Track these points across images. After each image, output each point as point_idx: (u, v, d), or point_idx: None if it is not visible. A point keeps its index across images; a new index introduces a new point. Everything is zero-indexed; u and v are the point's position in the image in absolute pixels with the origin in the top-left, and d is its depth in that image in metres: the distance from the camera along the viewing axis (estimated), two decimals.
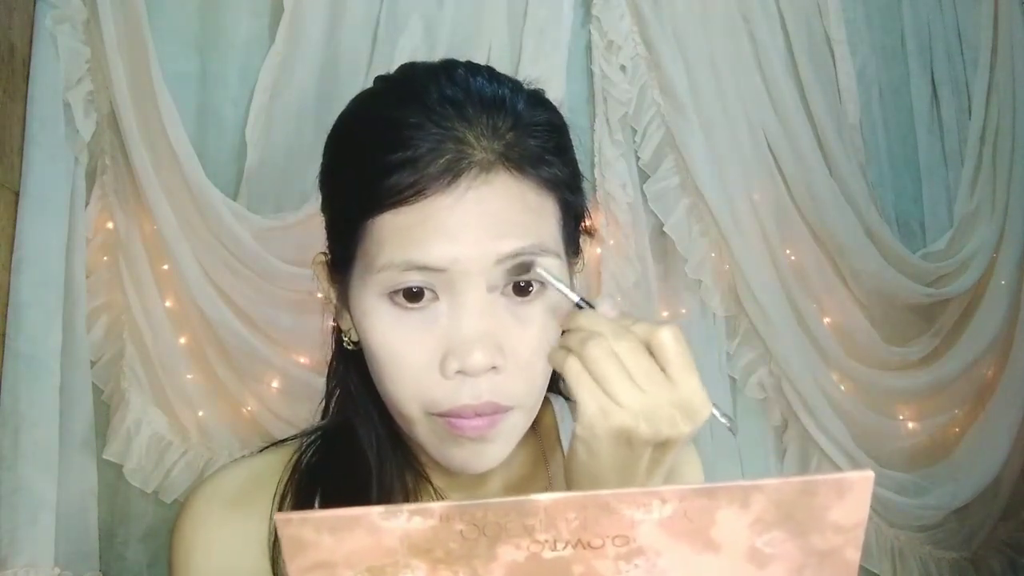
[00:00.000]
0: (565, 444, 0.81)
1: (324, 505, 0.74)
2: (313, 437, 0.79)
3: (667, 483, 0.64)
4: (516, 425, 0.68)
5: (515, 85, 0.71)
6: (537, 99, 0.71)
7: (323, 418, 0.82)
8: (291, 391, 1.45)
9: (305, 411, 1.41)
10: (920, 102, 1.93)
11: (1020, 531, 1.86)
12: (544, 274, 0.65)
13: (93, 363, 1.42)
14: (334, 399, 0.80)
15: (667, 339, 0.60)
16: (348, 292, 0.70)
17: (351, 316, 0.70)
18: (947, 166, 1.96)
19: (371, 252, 0.65)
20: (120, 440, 1.41)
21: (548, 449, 0.82)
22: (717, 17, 1.69)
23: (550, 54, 1.58)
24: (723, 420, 0.64)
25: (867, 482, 0.39)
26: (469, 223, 0.63)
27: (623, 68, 1.64)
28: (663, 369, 0.60)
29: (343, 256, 0.70)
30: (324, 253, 0.74)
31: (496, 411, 0.65)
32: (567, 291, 0.66)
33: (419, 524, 0.38)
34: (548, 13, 1.59)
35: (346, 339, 0.74)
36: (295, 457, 0.77)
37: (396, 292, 0.65)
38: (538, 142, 0.67)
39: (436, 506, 0.38)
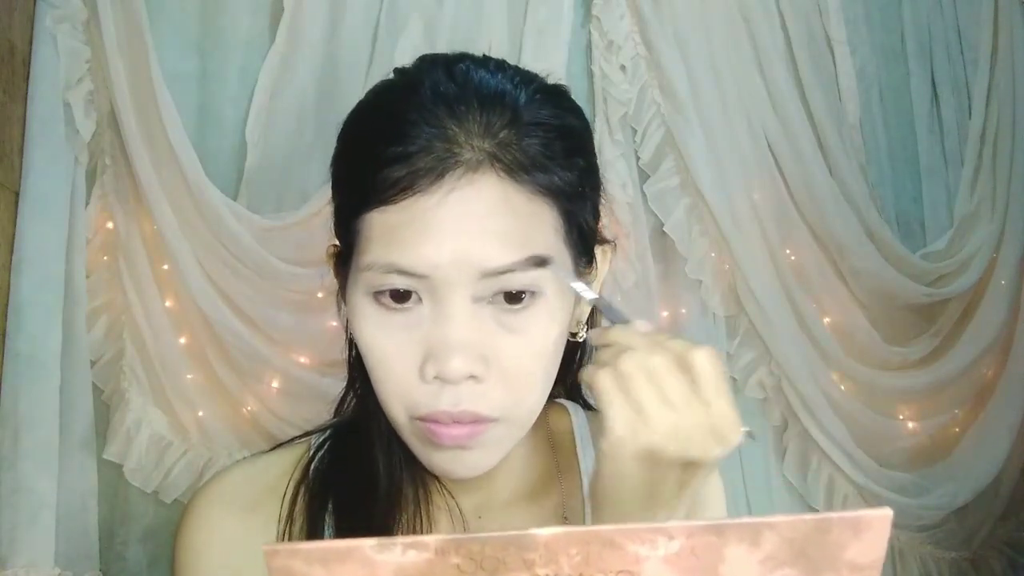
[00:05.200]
0: (582, 455, 0.79)
1: (337, 508, 0.73)
2: (324, 437, 0.78)
3: (692, 508, 0.63)
4: (501, 437, 0.66)
5: (524, 79, 0.68)
6: (549, 95, 0.68)
7: (336, 415, 0.81)
8: (291, 391, 1.45)
9: (305, 411, 1.42)
10: (920, 102, 1.93)
11: (1020, 531, 1.86)
12: (579, 287, 0.64)
13: (93, 363, 1.42)
14: (348, 399, 0.79)
15: (702, 360, 0.58)
16: (345, 286, 0.69)
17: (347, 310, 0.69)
18: (947, 166, 1.95)
19: (359, 249, 0.65)
20: (120, 440, 1.41)
21: (563, 461, 0.80)
22: (717, 17, 1.69)
23: (550, 54, 1.57)
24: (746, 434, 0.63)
25: (885, 520, 0.38)
26: (451, 227, 0.61)
27: (623, 68, 1.64)
28: (696, 390, 0.58)
29: (343, 249, 0.69)
30: (335, 244, 0.73)
31: (475, 420, 0.64)
32: (585, 290, 0.64)
33: (413, 558, 0.37)
34: (548, 13, 1.59)
35: (351, 332, 0.73)
36: (306, 458, 0.76)
37: (381, 293, 0.64)
38: (537, 143, 0.64)
39: (431, 539, 0.37)
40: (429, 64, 0.69)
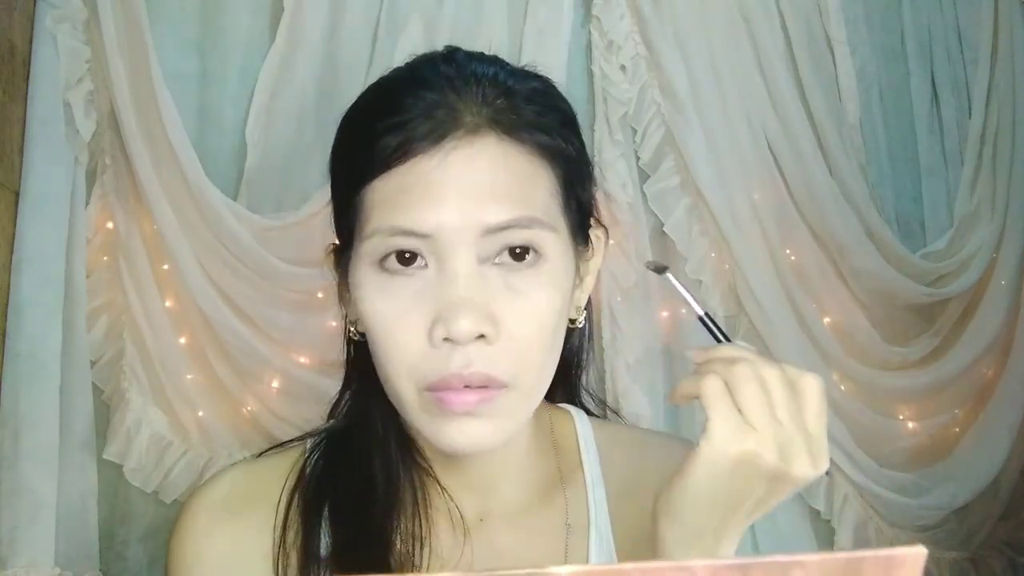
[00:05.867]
0: (587, 462, 0.78)
1: (333, 513, 0.72)
2: (318, 440, 0.78)
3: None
4: (512, 407, 0.66)
5: (515, 69, 0.71)
6: (541, 80, 0.71)
7: (329, 418, 0.80)
8: (291, 391, 1.45)
9: (305, 411, 1.41)
10: (920, 102, 1.93)
11: (1020, 531, 1.86)
12: (674, 282, 0.65)
13: (93, 363, 1.42)
14: (344, 401, 0.79)
15: (811, 385, 0.59)
16: (348, 271, 0.69)
17: (350, 295, 0.69)
18: (947, 166, 1.95)
19: (362, 221, 0.66)
20: (120, 440, 1.41)
21: (566, 466, 0.78)
22: (717, 17, 1.69)
23: (550, 54, 1.57)
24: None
25: (919, 559, 0.37)
26: (453, 186, 0.62)
27: (623, 68, 1.64)
28: (800, 411, 0.59)
29: (344, 235, 0.70)
30: (334, 244, 0.74)
31: (487, 384, 0.63)
32: (695, 305, 0.65)
33: None
34: (548, 13, 1.59)
35: (352, 330, 0.73)
36: (300, 463, 0.75)
37: (385, 257, 0.64)
38: (533, 110, 0.66)
39: None
40: (427, 56, 0.72)
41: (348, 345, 0.77)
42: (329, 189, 0.73)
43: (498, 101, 0.65)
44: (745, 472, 0.58)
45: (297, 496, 0.73)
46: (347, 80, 1.49)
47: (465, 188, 0.62)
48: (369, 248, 0.65)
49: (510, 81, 0.67)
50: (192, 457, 1.44)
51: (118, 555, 1.42)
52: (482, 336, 0.62)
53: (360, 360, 0.74)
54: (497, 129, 0.64)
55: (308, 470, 0.75)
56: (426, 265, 0.64)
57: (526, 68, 0.72)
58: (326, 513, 0.73)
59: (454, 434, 0.65)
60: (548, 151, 0.66)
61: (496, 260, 0.64)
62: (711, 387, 0.59)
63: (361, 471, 0.73)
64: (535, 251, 0.64)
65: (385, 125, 0.64)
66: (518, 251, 0.64)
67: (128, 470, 1.41)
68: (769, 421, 0.58)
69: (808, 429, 0.59)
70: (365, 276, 0.66)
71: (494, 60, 0.71)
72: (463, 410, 0.63)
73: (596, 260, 0.75)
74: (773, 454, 0.58)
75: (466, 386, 0.63)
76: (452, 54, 0.70)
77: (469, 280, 0.62)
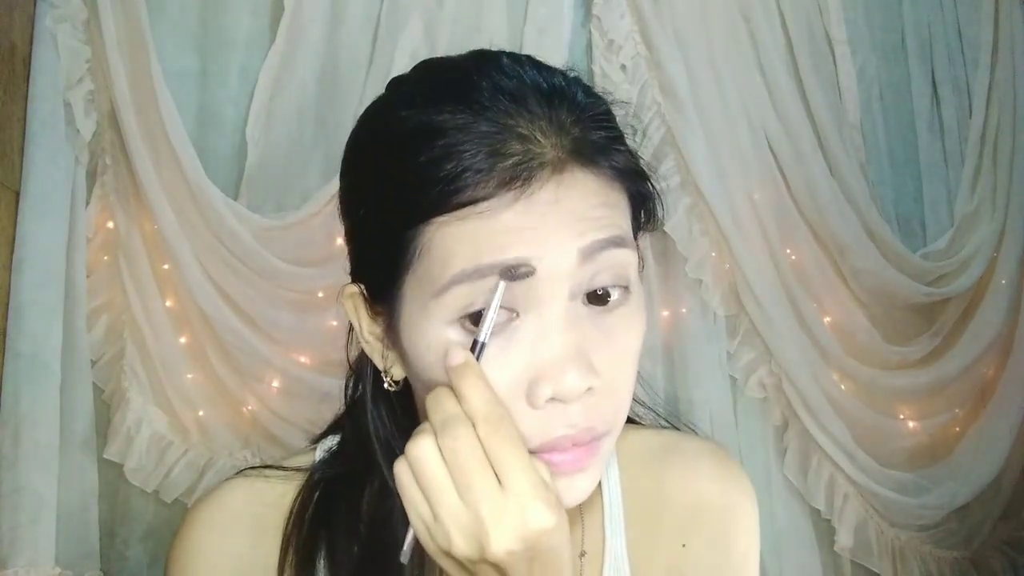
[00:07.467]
0: (606, 483, 0.75)
1: (331, 553, 0.69)
2: (328, 471, 0.73)
3: None
4: (607, 450, 0.62)
5: (565, 75, 0.65)
6: (589, 87, 0.65)
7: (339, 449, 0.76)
8: (291, 390, 1.45)
9: (305, 411, 1.42)
10: (920, 102, 1.93)
11: (1020, 531, 1.86)
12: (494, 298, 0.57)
13: (93, 363, 1.43)
14: (354, 439, 0.73)
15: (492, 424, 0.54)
16: (399, 325, 0.62)
17: (404, 352, 0.62)
18: (947, 165, 1.95)
19: (433, 272, 0.58)
20: (120, 440, 1.41)
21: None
22: (717, 17, 1.69)
23: (550, 54, 1.56)
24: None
25: None
26: (547, 227, 0.57)
27: (623, 68, 1.64)
28: (494, 465, 0.54)
29: (389, 284, 0.62)
30: (355, 284, 0.67)
31: (593, 438, 0.59)
32: (484, 329, 0.58)
33: None
34: (548, 12, 1.59)
35: (387, 379, 0.66)
36: (302, 498, 0.72)
37: (469, 316, 0.57)
38: (604, 132, 0.61)
39: None
40: (464, 63, 0.64)
41: (370, 384, 0.71)
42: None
43: (575, 129, 0.59)
44: (457, 566, 0.56)
45: (303, 532, 0.70)
46: (347, 80, 1.49)
47: (559, 227, 0.57)
48: (447, 303, 0.58)
49: (577, 97, 0.61)
50: (192, 457, 1.44)
51: (119, 554, 1.42)
52: (589, 389, 0.58)
53: (385, 402, 0.70)
54: (581, 161, 0.59)
55: (312, 505, 0.71)
56: (515, 316, 0.58)
57: (566, 71, 0.65)
58: (323, 555, 0.70)
59: (564, 493, 0.60)
60: (624, 171, 0.62)
61: (584, 301, 0.59)
62: (398, 475, 0.56)
63: (380, 521, 0.68)
64: (623, 288, 0.61)
65: (454, 168, 0.56)
66: (599, 293, 0.60)
67: (128, 470, 1.42)
68: (452, 509, 0.55)
69: (507, 490, 0.55)
70: (440, 336, 0.59)
71: (540, 65, 0.64)
72: (575, 468, 0.60)
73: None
74: (461, 544, 0.55)
75: (574, 444, 0.59)
76: (498, 62, 0.63)
77: (568, 325, 0.58)
